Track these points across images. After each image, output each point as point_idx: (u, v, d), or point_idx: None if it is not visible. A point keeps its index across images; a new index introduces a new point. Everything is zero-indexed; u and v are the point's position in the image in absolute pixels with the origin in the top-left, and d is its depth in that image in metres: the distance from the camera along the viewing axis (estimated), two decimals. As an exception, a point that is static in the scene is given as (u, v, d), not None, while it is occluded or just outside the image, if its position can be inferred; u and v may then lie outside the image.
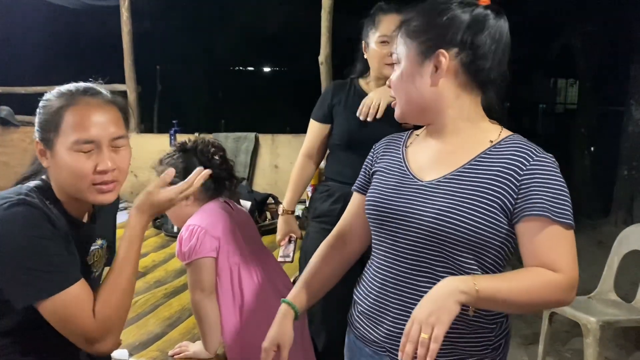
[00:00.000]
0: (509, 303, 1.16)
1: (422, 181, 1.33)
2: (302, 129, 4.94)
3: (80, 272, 1.40)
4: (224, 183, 1.93)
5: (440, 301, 1.09)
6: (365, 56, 2.46)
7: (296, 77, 5.86)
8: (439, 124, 1.35)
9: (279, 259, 2.66)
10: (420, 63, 1.30)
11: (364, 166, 1.55)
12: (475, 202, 1.24)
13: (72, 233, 1.47)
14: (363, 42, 2.46)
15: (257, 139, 4.73)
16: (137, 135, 5.20)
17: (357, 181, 1.55)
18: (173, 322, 2.59)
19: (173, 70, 7.02)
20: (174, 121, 5.07)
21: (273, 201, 4.56)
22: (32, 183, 1.50)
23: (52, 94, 1.48)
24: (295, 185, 2.69)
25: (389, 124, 2.22)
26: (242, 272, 1.92)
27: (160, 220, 4.31)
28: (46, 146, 1.42)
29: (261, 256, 2.06)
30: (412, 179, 1.35)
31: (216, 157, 1.89)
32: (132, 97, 5.26)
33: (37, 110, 1.49)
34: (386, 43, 2.30)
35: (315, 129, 2.63)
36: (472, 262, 1.25)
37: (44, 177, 1.52)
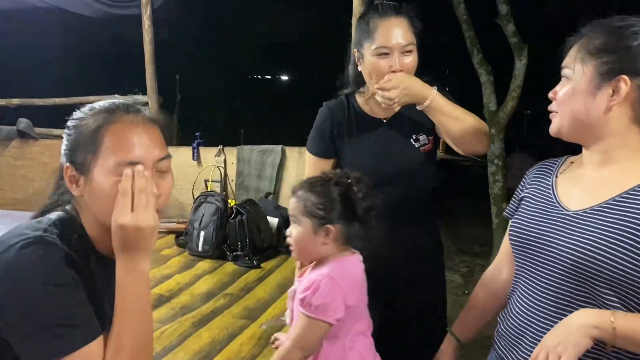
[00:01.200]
0: None
1: (568, 210, 1.29)
2: None
3: (101, 326, 1.18)
4: (369, 230, 1.60)
5: (571, 332, 1.11)
6: (359, 68, 1.93)
7: (320, 87, 5.64)
8: (597, 150, 1.28)
9: (284, 318, 2.10)
10: (596, 84, 1.23)
11: (515, 192, 1.51)
12: (621, 237, 1.16)
13: (99, 272, 1.26)
14: (354, 51, 1.93)
15: (283, 152, 4.52)
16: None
17: (508, 207, 1.52)
18: (203, 357, 2.37)
19: (192, 80, 6.83)
20: (197, 133, 4.88)
21: None
22: (54, 215, 1.29)
23: (85, 112, 1.28)
24: None
25: (409, 158, 1.98)
26: (349, 354, 1.63)
27: (184, 237, 4.11)
28: (79, 171, 1.22)
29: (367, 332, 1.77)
30: (557, 207, 1.32)
31: (367, 198, 1.59)
32: (154, 108, 5.08)
33: (66, 130, 1.28)
34: (386, 55, 1.81)
35: (318, 164, 2.07)
36: (615, 299, 1.17)
37: (68, 207, 1.31)
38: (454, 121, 1.79)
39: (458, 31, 5.53)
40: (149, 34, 4.90)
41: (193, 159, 4.80)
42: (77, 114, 1.29)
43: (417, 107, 1.81)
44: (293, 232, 1.60)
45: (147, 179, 1.16)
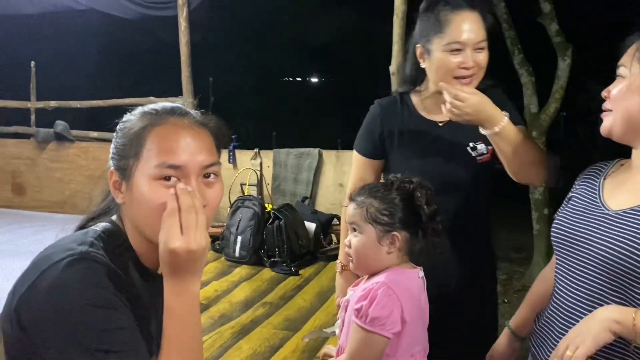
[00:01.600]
0: None
1: (609, 210, 1.30)
2: None
3: (148, 349, 1.09)
4: (433, 239, 1.51)
5: (592, 325, 1.15)
6: (421, 64, 1.80)
7: (356, 89, 5.53)
8: None
9: (326, 330, 2.09)
10: None
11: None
12: None
13: (145, 287, 1.17)
14: (419, 46, 1.79)
15: (320, 155, 4.42)
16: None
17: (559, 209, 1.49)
18: (246, 371, 2.28)
19: (226, 83, 6.78)
20: (232, 136, 4.82)
21: (338, 222, 4.23)
22: (99, 226, 1.20)
23: (133, 114, 1.18)
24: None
25: (463, 168, 1.83)
26: None
27: (220, 242, 4.04)
28: (122, 176, 1.13)
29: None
30: (599, 207, 1.33)
31: (432, 205, 1.50)
32: (188, 110, 5.03)
33: (115, 133, 1.20)
34: (457, 52, 1.69)
35: (365, 165, 1.95)
36: None
37: (114, 217, 1.22)
38: (518, 153, 1.64)
39: (498, 30, 5.35)
40: (185, 36, 4.87)
41: (229, 162, 4.74)
42: (125, 116, 1.21)
43: (481, 131, 1.65)
44: (353, 242, 1.47)
45: (193, 194, 1.06)
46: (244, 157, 4.73)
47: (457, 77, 1.68)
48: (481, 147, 1.83)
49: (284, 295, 3.23)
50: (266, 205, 4.03)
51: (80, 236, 1.15)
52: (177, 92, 5.07)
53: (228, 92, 7.29)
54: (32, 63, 5.59)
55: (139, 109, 1.20)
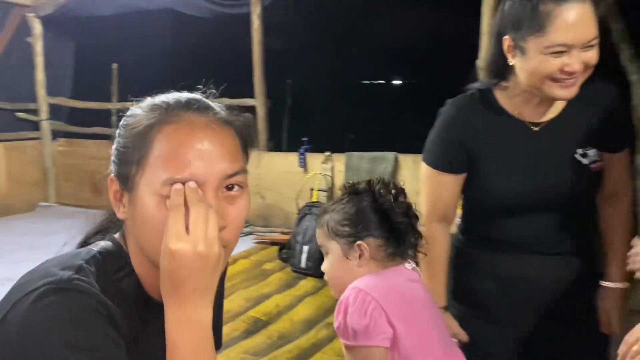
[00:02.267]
0: None
1: None
2: None
3: None
4: (409, 238, 1.33)
5: None
6: (510, 61, 1.44)
7: (441, 90, 5.12)
8: None
9: None
10: None
11: None
12: None
13: (151, 321, 0.91)
14: (508, 38, 1.43)
15: (396, 160, 4.07)
16: (266, 153, 4.77)
17: None
18: (299, 407, 1.99)
19: (303, 86, 6.59)
20: (303, 139, 4.57)
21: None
22: (98, 245, 0.96)
23: (140, 106, 0.94)
24: (440, 270, 1.63)
25: (573, 178, 1.49)
26: None
27: (287, 251, 3.79)
28: (124, 186, 0.90)
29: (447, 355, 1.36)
30: None
31: (400, 200, 1.32)
32: (261, 111, 4.88)
33: (117, 130, 0.94)
34: (561, 53, 1.34)
35: (440, 181, 1.59)
36: None
37: (117, 235, 0.97)
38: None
39: (603, 23, 4.74)
40: (258, 34, 4.69)
41: (299, 165, 4.50)
42: (131, 109, 0.95)
43: None
44: (325, 266, 1.35)
45: (203, 199, 0.84)
46: (315, 160, 4.48)
47: (555, 80, 1.34)
48: (592, 152, 1.49)
49: None
50: None
51: (69, 258, 0.91)
52: (251, 93, 4.91)
53: (305, 95, 7.11)
54: (115, 65, 5.64)
55: (148, 101, 0.94)
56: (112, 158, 0.93)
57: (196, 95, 0.93)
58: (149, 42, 5.45)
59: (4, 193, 5.61)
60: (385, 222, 1.29)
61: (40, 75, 5.76)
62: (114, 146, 0.94)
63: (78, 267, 0.86)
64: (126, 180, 0.87)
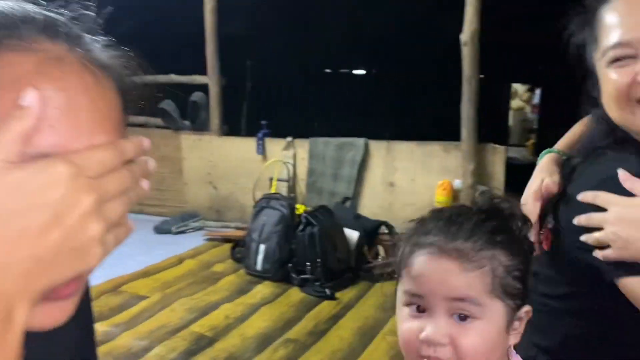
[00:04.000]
0: None
1: None
2: (428, 135, 3.74)
3: None
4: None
5: None
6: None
7: (415, 75, 4.74)
8: None
9: None
10: None
11: None
12: None
13: None
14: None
15: (366, 147, 3.63)
16: (220, 138, 4.25)
17: None
18: None
19: (265, 68, 6.11)
20: (262, 122, 4.07)
21: (387, 231, 3.42)
22: None
23: None
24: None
25: None
26: None
27: (240, 250, 3.29)
28: None
29: None
30: None
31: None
32: (214, 90, 4.35)
33: None
34: (624, 61, 0.93)
35: None
36: None
37: None
38: None
39: None
40: (211, 2, 4.14)
41: (257, 152, 4.01)
42: None
43: None
44: (467, 341, 0.72)
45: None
46: (275, 146, 4.03)
47: (632, 101, 0.92)
48: None
49: (314, 329, 2.50)
50: (297, 206, 3.29)
51: None
52: (202, 70, 4.37)
53: (267, 77, 6.60)
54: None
55: None
56: None
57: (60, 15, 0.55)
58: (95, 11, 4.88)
59: None
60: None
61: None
62: None
63: None
64: None
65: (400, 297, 0.74)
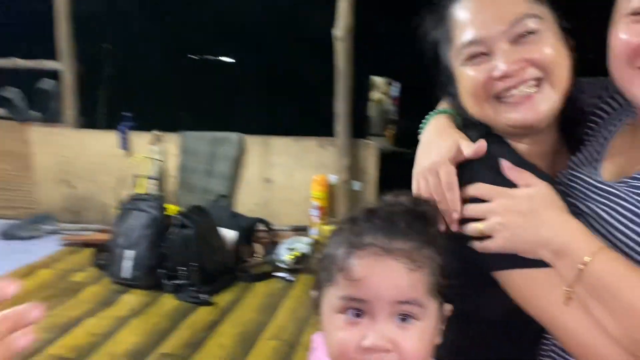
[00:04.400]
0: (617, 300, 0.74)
1: None
2: (303, 131, 3.67)
3: None
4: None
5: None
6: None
7: (291, 68, 4.69)
8: None
9: None
10: None
11: None
12: None
13: None
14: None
15: (242, 142, 3.55)
16: (75, 131, 3.85)
17: None
18: None
19: (125, 53, 5.68)
20: (125, 114, 3.76)
21: (264, 228, 3.34)
22: None
23: None
24: None
25: None
26: None
27: (103, 256, 2.99)
28: None
29: None
30: None
31: None
32: (69, 78, 3.93)
33: None
34: (480, 57, 0.94)
35: None
36: None
37: None
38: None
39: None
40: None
41: (120, 147, 3.69)
42: None
43: None
44: (407, 343, 0.70)
45: None
46: (141, 141, 3.74)
47: (499, 99, 0.92)
48: None
49: (192, 339, 2.35)
50: (168, 206, 3.08)
51: None
52: (53, 54, 3.93)
53: (128, 64, 6.15)
54: None
55: None
56: None
57: None
58: None
59: None
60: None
61: None
62: None
63: None
64: None
65: (333, 304, 0.69)
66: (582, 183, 0.89)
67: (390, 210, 0.74)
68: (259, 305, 2.68)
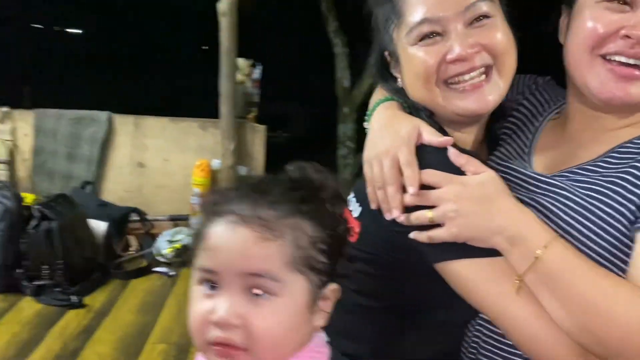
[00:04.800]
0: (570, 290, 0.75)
1: None
2: (179, 112, 3.50)
3: None
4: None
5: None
6: (393, 71, 1.07)
7: (166, 40, 4.37)
8: None
9: None
10: None
11: None
12: None
13: None
14: (386, 53, 1.07)
15: (110, 122, 3.38)
16: None
17: None
18: None
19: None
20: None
21: (139, 218, 3.08)
22: None
23: None
24: None
25: None
26: None
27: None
28: None
29: None
30: None
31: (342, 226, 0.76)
32: None
33: None
34: (434, 38, 0.91)
35: None
36: None
37: None
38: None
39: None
40: None
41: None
42: None
43: None
44: (261, 322, 0.66)
45: None
46: (-16, 119, 3.21)
47: (448, 83, 0.89)
48: None
49: (63, 350, 2.08)
50: (24, 195, 2.76)
51: None
52: None
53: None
54: None
55: None
56: None
57: None
58: None
59: None
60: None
61: None
62: None
63: None
64: None
65: (195, 276, 0.67)
66: (515, 174, 0.90)
67: (270, 179, 0.71)
68: (139, 305, 2.44)
